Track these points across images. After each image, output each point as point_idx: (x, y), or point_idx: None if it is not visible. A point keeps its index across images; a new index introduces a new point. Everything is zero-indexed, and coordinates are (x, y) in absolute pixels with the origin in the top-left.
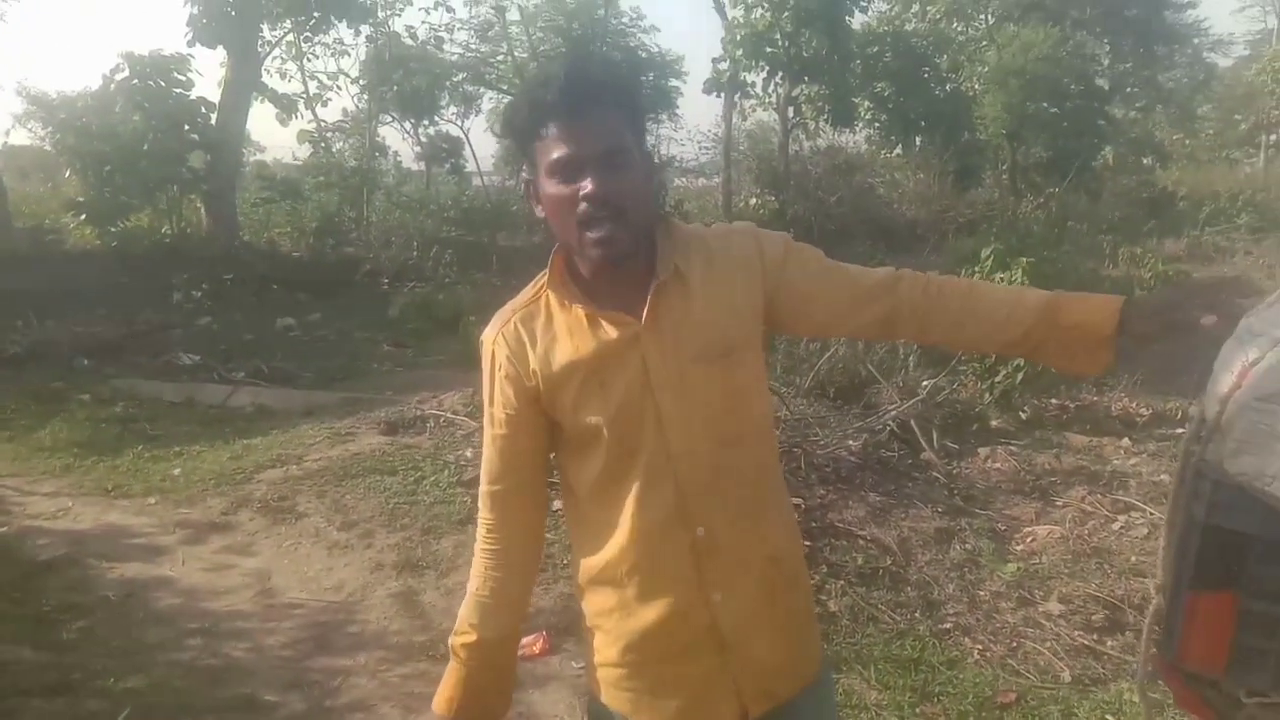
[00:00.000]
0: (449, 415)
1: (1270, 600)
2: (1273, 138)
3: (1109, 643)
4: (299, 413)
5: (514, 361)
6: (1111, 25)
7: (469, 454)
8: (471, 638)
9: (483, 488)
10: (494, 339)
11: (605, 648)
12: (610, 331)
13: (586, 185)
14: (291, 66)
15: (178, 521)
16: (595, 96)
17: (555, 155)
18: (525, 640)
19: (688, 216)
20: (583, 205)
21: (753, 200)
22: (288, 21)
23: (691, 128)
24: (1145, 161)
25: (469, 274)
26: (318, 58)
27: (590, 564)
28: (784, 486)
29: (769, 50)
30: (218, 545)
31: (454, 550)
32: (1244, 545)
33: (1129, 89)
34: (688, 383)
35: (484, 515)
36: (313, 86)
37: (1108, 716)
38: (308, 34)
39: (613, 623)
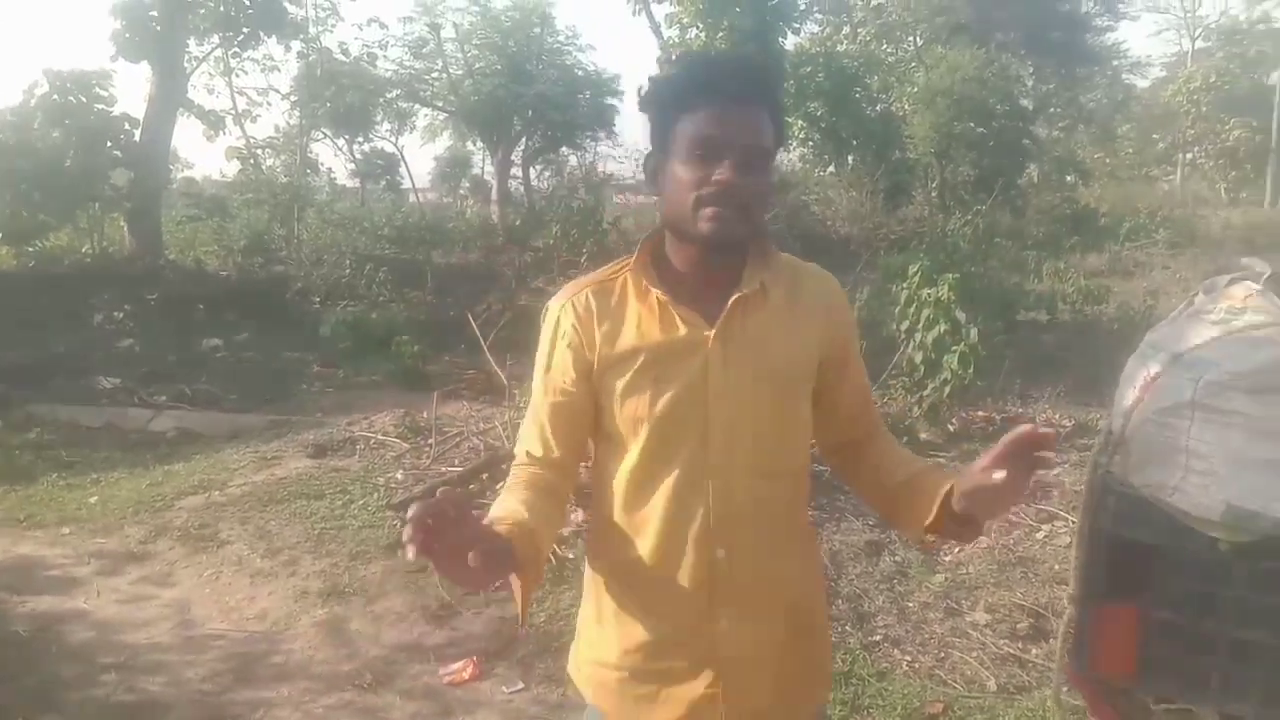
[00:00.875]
0: (380, 437)
1: (1175, 609)
2: (1189, 156)
3: (1033, 651)
4: (224, 436)
5: (579, 331)
6: (1035, 48)
7: (399, 476)
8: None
9: (516, 460)
10: (562, 305)
11: (606, 646)
12: (680, 328)
13: (724, 171)
14: (220, 82)
15: (93, 552)
16: (756, 91)
17: (702, 133)
18: (454, 666)
19: (625, 233)
20: (711, 189)
21: None
22: (215, 37)
23: (630, 146)
24: (1068, 179)
25: (403, 292)
26: (247, 73)
27: (607, 557)
28: (813, 536)
29: None
30: (135, 576)
31: (382, 575)
32: (1148, 556)
33: (1052, 109)
34: (744, 401)
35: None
36: (241, 102)
37: None
38: (236, 49)
39: (619, 621)
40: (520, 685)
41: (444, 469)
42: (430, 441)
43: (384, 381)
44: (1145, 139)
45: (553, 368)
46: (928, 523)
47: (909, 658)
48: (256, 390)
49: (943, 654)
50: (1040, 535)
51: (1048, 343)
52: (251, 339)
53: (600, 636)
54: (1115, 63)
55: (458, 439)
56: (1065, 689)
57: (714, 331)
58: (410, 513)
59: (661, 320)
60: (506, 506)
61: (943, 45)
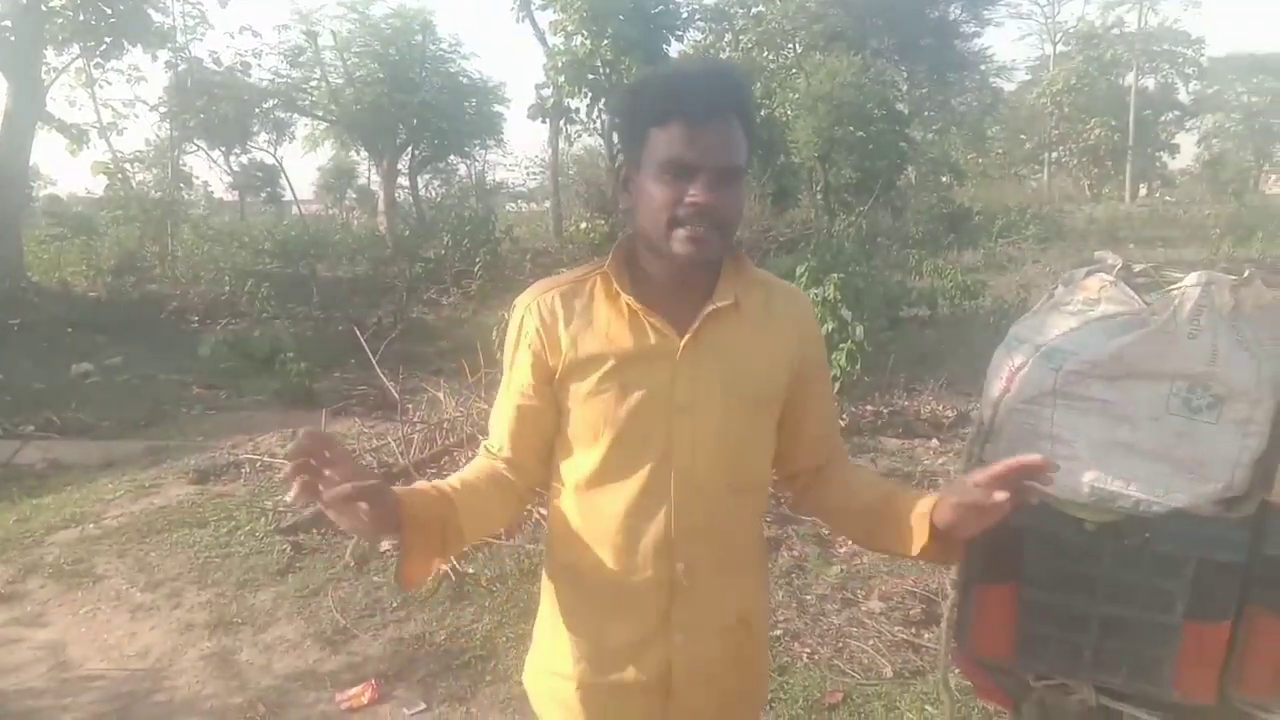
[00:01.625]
0: (266, 459)
1: (1047, 590)
2: (1054, 155)
3: (926, 635)
4: (97, 466)
5: (541, 335)
6: (908, 54)
7: (289, 499)
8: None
9: (484, 448)
10: (527, 305)
11: (559, 656)
12: (650, 336)
13: (698, 191)
14: (82, 94)
15: None
16: (730, 106)
17: (674, 155)
18: (351, 691)
19: (519, 241)
20: (685, 210)
21: (583, 224)
22: (75, 46)
23: (518, 153)
24: (944, 180)
25: (287, 308)
26: (111, 84)
27: (564, 564)
28: (765, 551)
29: (590, 77)
30: (4, 618)
31: (272, 603)
32: (1022, 539)
33: (926, 113)
34: (710, 414)
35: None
36: (106, 115)
37: (926, 707)
38: (99, 60)
39: (573, 630)
40: (422, 706)
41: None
42: None
43: (269, 401)
44: (1013, 140)
45: (515, 369)
46: (923, 545)
47: (808, 650)
48: (132, 416)
49: (841, 644)
50: None
51: (929, 338)
52: (125, 362)
53: (554, 646)
54: (983, 67)
55: None
56: (954, 671)
57: (685, 342)
58: (286, 452)
59: (631, 327)
60: (447, 481)
61: (821, 52)
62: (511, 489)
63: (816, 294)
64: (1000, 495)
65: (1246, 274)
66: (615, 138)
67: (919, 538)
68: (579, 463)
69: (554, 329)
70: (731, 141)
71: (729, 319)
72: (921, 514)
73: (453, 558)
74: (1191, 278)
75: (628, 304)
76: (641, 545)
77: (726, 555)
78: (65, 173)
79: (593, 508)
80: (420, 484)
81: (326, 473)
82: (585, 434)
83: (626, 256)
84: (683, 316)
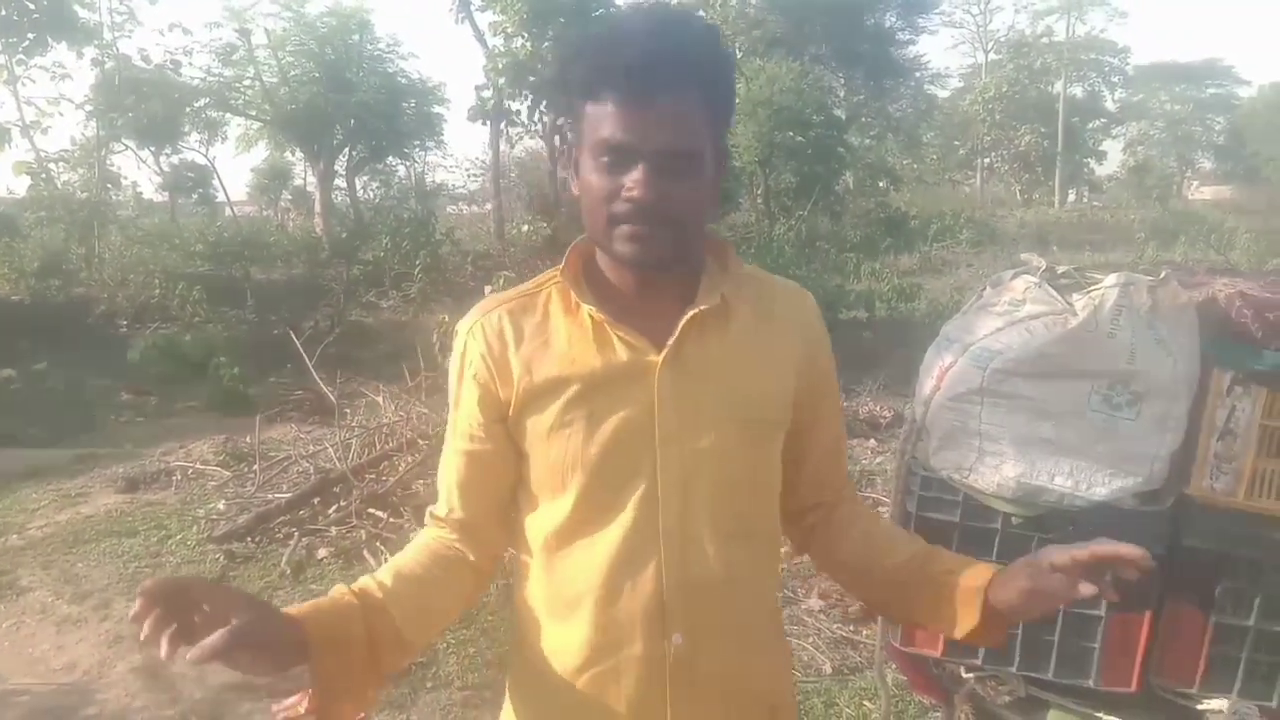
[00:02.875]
0: (199, 466)
1: None
2: (986, 161)
3: (864, 632)
4: (20, 475)
5: (488, 362)
6: (845, 60)
7: (221, 506)
8: (362, 582)
9: (430, 515)
10: (469, 328)
11: None
12: (620, 352)
13: (635, 185)
14: (4, 92)
15: None
16: (677, 76)
17: (606, 134)
18: (289, 701)
19: (459, 244)
20: (623, 206)
21: (525, 227)
22: None
23: (458, 155)
24: (881, 185)
25: (220, 311)
26: (35, 82)
27: (530, 644)
28: (781, 617)
29: (531, 79)
30: None
31: None
32: (949, 534)
33: (863, 119)
34: (703, 443)
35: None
36: (30, 113)
37: (865, 702)
38: (21, 57)
39: None
40: (361, 715)
41: (270, 496)
42: (254, 468)
43: (202, 407)
44: (948, 146)
45: (460, 407)
46: (971, 628)
47: None
48: (58, 423)
49: None
50: None
51: (867, 339)
52: (51, 368)
53: None
54: (918, 74)
55: (285, 463)
56: (890, 666)
57: (663, 356)
58: (133, 614)
59: (597, 342)
60: (372, 576)
61: (760, 58)
62: (464, 566)
63: None
64: (1087, 590)
65: (1163, 275)
66: (557, 128)
67: (966, 618)
68: (544, 518)
69: (502, 355)
70: (680, 120)
71: (716, 325)
72: (972, 589)
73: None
74: (1110, 279)
75: (590, 315)
76: (627, 613)
77: (735, 622)
78: None
79: (564, 571)
80: (336, 589)
81: (196, 618)
82: (549, 480)
83: (584, 260)
84: (659, 326)
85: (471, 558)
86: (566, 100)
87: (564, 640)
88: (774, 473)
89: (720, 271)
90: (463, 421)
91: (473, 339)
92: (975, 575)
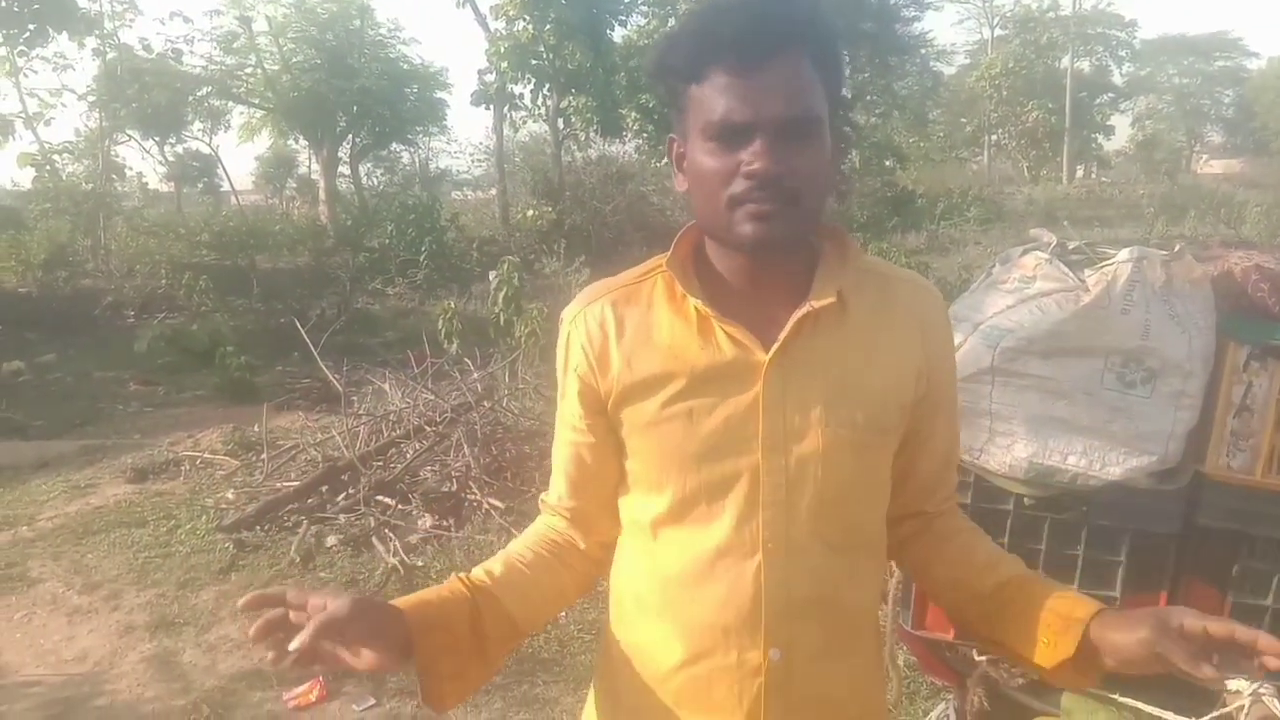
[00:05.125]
0: (207, 455)
1: None
2: (993, 138)
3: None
4: (30, 467)
5: (589, 354)
6: (850, 38)
7: (230, 495)
8: (475, 574)
9: (542, 502)
10: (573, 318)
11: None
12: (726, 349)
13: (755, 158)
14: (6, 83)
15: None
16: (786, 39)
17: (719, 113)
18: (299, 689)
19: (465, 229)
20: (743, 184)
21: (530, 212)
22: None
23: (462, 140)
24: (887, 164)
25: (227, 301)
26: (37, 73)
27: (623, 647)
28: (881, 633)
29: (534, 63)
30: None
31: (215, 602)
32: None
33: (869, 97)
34: (810, 450)
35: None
36: (32, 105)
37: None
38: (22, 48)
39: None
40: (371, 701)
41: (279, 484)
42: (262, 457)
43: (210, 396)
44: (954, 123)
45: (565, 399)
46: (1063, 659)
47: None
48: (67, 414)
49: None
50: None
51: None
52: (58, 360)
53: None
54: (923, 51)
55: (293, 452)
56: (900, 647)
57: (771, 356)
58: (255, 629)
59: (701, 337)
60: (482, 565)
61: None
62: (575, 554)
63: None
64: (1208, 673)
65: (1177, 249)
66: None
67: (1062, 647)
68: (641, 511)
69: (604, 346)
70: (795, 84)
71: (831, 323)
72: (1075, 619)
73: (401, 553)
74: (1123, 254)
75: (696, 308)
76: (723, 625)
77: (836, 638)
78: None
79: (658, 574)
80: (451, 581)
81: (292, 616)
82: (646, 476)
83: (693, 248)
84: (769, 322)
85: (582, 545)
86: (669, 90)
87: (656, 638)
88: (884, 482)
89: (838, 263)
90: (568, 413)
91: (575, 329)
92: (1080, 606)
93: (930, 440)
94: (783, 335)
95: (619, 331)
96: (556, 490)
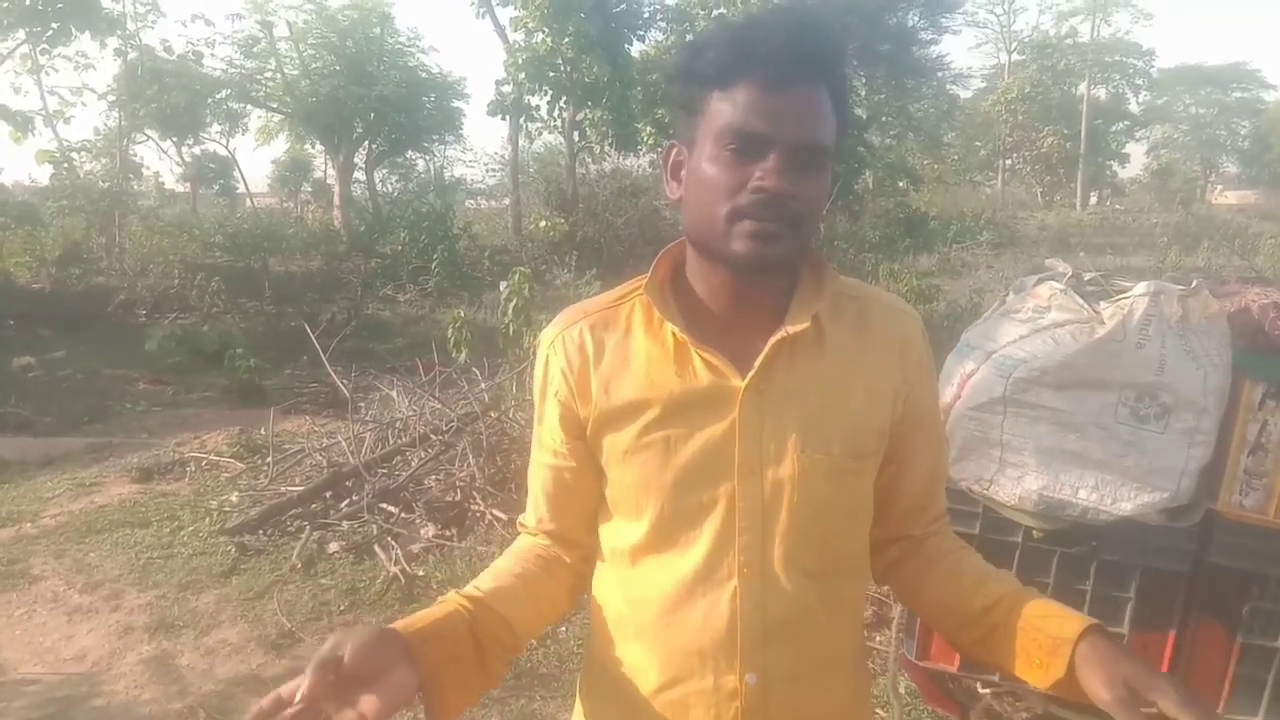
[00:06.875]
0: (213, 457)
1: None
2: (1008, 162)
3: (877, 638)
4: (36, 463)
5: (568, 378)
6: (866, 59)
7: (234, 498)
8: (467, 590)
9: (520, 524)
10: (551, 341)
11: None
12: (703, 376)
13: (767, 175)
14: (28, 81)
15: None
16: (814, 68)
17: (738, 121)
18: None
19: (477, 238)
20: (751, 198)
21: (543, 223)
22: (20, 32)
23: (477, 150)
24: (900, 185)
25: (238, 302)
26: (58, 71)
27: (601, 672)
28: (865, 656)
29: (551, 74)
30: None
31: (215, 605)
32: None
33: (884, 118)
34: (786, 476)
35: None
36: (53, 102)
37: (877, 710)
38: (45, 46)
39: None
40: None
41: (283, 488)
42: (268, 460)
43: (218, 398)
44: (969, 146)
45: (544, 423)
46: (1057, 679)
47: None
48: (75, 411)
49: None
50: None
51: None
52: (69, 356)
53: None
54: (940, 74)
55: (299, 456)
56: (903, 676)
57: (747, 382)
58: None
59: (678, 363)
60: (476, 583)
61: None
62: (561, 566)
63: None
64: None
65: (1194, 284)
66: (673, 115)
67: (1052, 669)
68: (620, 536)
69: (583, 371)
70: (816, 112)
71: (808, 348)
72: (1062, 639)
73: (403, 561)
74: (1140, 287)
75: (673, 334)
76: (699, 649)
77: (814, 665)
78: (9, 161)
79: (637, 592)
80: (443, 598)
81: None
82: (624, 502)
83: (672, 270)
84: (745, 347)
85: (567, 560)
86: (686, 94)
87: (635, 662)
88: (864, 507)
89: (814, 287)
90: (547, 437)
91: (554, 353)
92: (1067, 625)
93: (912, 461)
94: (758, 361)
95: (597, 356)
96: (536, 513)
